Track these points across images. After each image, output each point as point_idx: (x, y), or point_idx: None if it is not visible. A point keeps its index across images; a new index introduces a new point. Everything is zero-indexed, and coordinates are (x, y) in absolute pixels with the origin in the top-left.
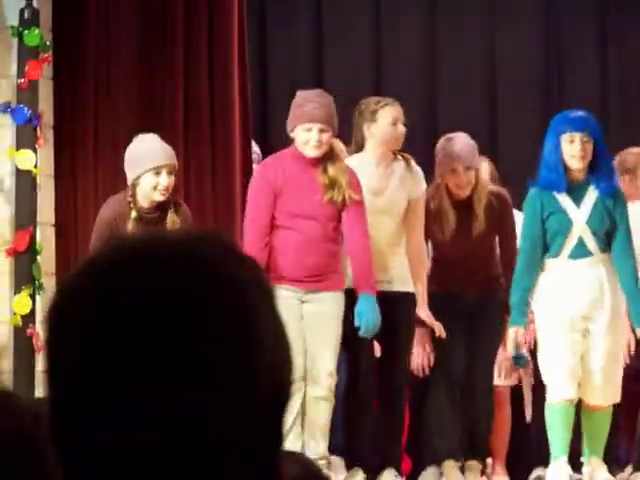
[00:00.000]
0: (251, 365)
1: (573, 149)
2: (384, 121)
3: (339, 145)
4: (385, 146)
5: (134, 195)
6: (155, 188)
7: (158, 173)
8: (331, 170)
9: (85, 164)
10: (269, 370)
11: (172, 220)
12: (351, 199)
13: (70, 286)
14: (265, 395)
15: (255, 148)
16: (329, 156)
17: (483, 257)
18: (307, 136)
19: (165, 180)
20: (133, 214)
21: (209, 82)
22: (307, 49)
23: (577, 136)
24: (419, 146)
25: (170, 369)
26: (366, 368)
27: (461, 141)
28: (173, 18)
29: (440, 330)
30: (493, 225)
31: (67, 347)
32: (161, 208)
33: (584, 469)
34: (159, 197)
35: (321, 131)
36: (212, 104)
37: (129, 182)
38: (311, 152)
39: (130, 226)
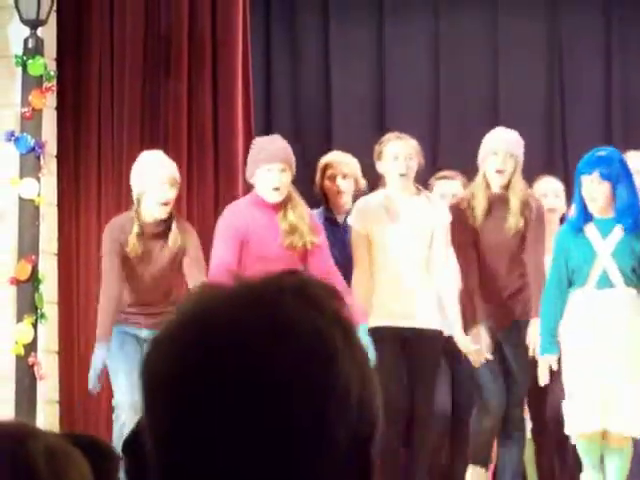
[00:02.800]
0: (331, 416)
1: (585, 191)
2: (387, 158)
3: (360, 181)
4: (395, 182)
5: (138, 210)
6: (159, 203)
7: (162, 187)
8: (291, 216)
9: (88, 194)
10: (353, 420)
11: (175, 237)
12: (312, 244)
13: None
14: (346, 443)
15: None
16: (289, 200)
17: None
18: (268, 177)
19: (169, 193)
20: (135, 229)
21: (213, 111)
22: (313, 74)
23: (588, 178)
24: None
25: (253, 420)
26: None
27: (503, 130)
28: (178, 48)
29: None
30: (526, 225)
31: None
32: (164, 224)
33: None
34: (162, 213)
35: (282, 171)
36: (216, 135)
37: (134, 198)
38: (272, 197)
39: (132, 241)
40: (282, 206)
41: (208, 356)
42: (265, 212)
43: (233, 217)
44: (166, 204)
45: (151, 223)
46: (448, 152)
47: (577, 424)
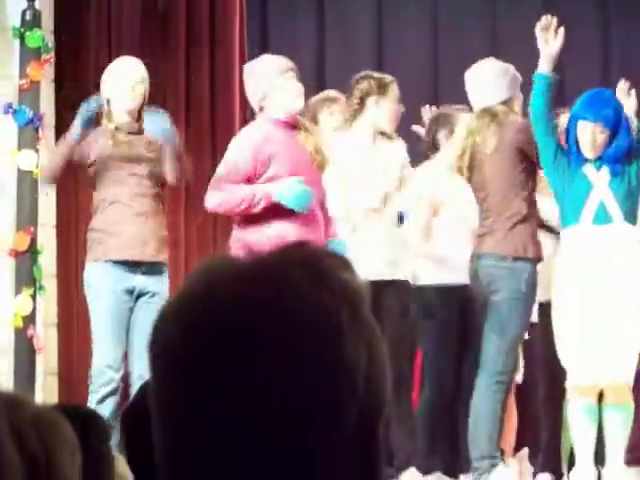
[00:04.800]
0: (340, 394)
1: (585, 137)
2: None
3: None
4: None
5: (109, 112)
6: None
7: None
8: (311, 136)
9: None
10: (360, 399)
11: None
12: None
13: (163, 334)
14: (353, 422)
15: None
16: (299, 122)
17: None
18: (288, 86)
19: (140, 88)
20: (111, 126)
21: (210, 85)
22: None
23: (590, 126)
24: None
25: (258, 397)
26: None
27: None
28: (176, 22)
29: None
30: None
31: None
32: (139, 119)
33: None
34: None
35: (297, 78)
36: (213, 106)
37: (104, 99)
38: (298, 104)
39: (111, 141)
40: (298, 126)
41: (216, 331)
42: (286, 132)
43: (254, 136)
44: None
45: (126, 121)
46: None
47: (570, 377)
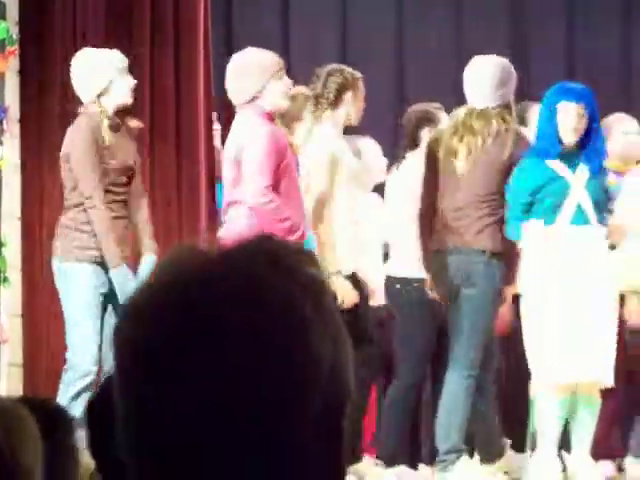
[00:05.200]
0: (306, 385)
1: (567, 119)
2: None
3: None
4: None
5: (102, 106)
6: (130, 88)
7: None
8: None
9: (51, 157)
10: (328, 386)
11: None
12: None
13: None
14: (317, 413)
15: (216, 125)
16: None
17: None
18: (281, 84)
19: (132, 81)
20: (106, 122)
21: (175, 75)
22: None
23: (572, 106)
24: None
25: (225, 387)
26: None
27: None
28: (140, 15)
29: None
30: None
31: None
32: (120, 114)
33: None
34: (130, 99)
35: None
36: (178, 96)
37: (93, 95)
38: (286, 102)
39: (107, 137)
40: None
41: (183, 321)
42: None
43: (276, 138)
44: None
45: (113, 115)
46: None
47: (550, 375)
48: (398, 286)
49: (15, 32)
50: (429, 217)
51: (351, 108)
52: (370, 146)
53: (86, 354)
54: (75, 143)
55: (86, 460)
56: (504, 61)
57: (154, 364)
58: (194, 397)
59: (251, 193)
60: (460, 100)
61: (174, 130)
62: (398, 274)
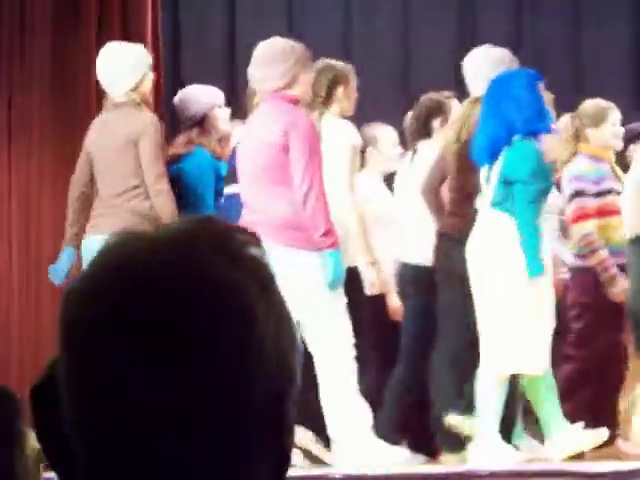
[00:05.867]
0: (247, 370)
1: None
2: None
3: None
4: None
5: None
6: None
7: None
8: None
9: None
10: (271, 360)
11: None
12: None
13: (74, 301)
14: (268, 385)
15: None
16: None
17: None
18: (310, 77)
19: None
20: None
21: None
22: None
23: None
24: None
25: (167, 373)
26: None
27: None
28: (87, 12)
29: None
30: None
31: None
32: None
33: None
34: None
35: None
36: None
37: (127, 88)
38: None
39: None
40: None
41: (128, 303)
42: None
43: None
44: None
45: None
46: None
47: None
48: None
49: None
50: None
51: (345, 102)
52: (386, 133)
53: None
54: (147, 134)
55: (33, 442)
56: (496, 50)
57: (99, 345)
58: (141, 377)
59: (308, 189)
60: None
61: None
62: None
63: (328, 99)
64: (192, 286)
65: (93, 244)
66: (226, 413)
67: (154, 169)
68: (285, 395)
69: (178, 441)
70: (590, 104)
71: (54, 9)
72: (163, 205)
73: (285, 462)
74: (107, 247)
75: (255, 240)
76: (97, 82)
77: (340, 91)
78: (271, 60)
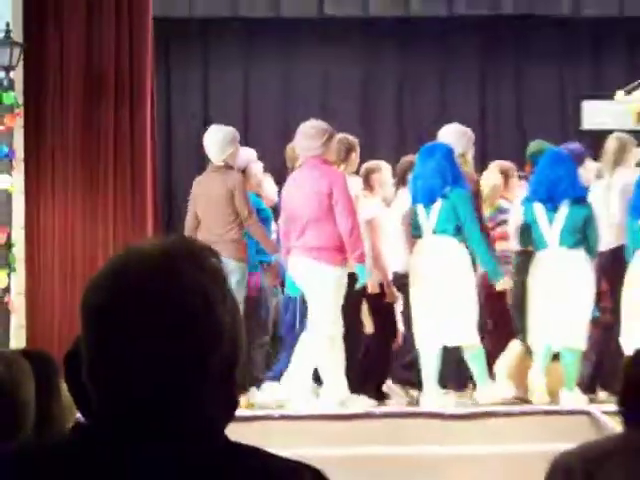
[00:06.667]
0: (216, 335)
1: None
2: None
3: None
4: None
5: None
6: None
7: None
8: None
9: (45, 186)
10: (226, 338)
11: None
12: None
13: (92, 292)
14: (227, 350)
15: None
16: None
17: None
18: (335, 144)
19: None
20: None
21: (131, 141)
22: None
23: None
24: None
25: (155, 343)
26: None
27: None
28: (107, 91)
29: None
30: None
31: (94, 323)
32: None
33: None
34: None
35: None
36: (132, 157)
37: (224, 157)
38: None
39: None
40: None
41: (121, 298)
42: None
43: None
44: None
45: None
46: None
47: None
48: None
49: (21, 99)
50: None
51: (354, 163)
52: (387, 169)
53: None
54: (238, 187)
55: (66, 394)
56: (458, 126)
57: (101, 320)
58: (126, 347)
59: (349, 223)
60: None
61: (130, 184)
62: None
63: (345, 161)
64: (170, 286)
65: None
66: (197, 372)
67: (245, 209)
68: (236, 362)
69: (158, 389)
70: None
71: (84, 104)
72: (255, 231)
73: (235, 405)
74: (114, 257)
75: (216, 254)
76: (115, 142)
77: (353, 155)
78: (313, 135)
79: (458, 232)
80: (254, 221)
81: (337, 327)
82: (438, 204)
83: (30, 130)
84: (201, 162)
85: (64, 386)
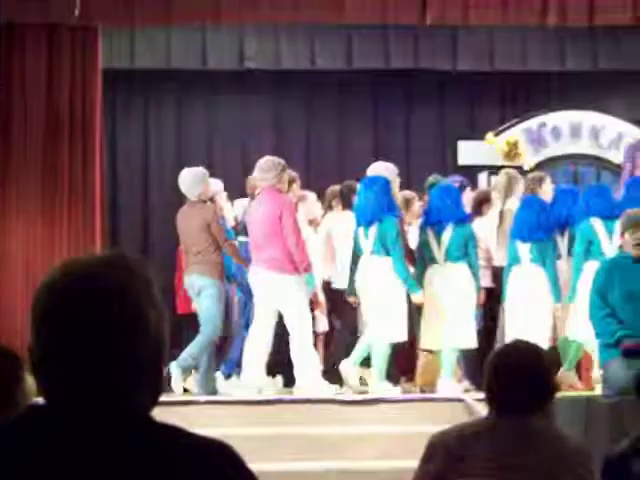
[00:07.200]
0: (144, 332)
1: None
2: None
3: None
4: None
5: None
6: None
7: None
8: None
9: (10, 216)
10: (153, 334)
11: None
12: None
13: (43, 293)
14: (155, 345)
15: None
16: None
17: None
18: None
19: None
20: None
21: (83, 178)
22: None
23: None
24: None
25: (98, 335)
26: None
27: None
28: (59, 123)
29: None
30: None
31: (45, 320)
32: None
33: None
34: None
35: None
36: (85, 192)
37: (199, 195)
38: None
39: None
40: None
41: (63, 301)
42: None
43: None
44: None
45: None
46: None
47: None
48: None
49: None
50: None
51: (296, 192)
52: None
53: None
54: (212, 218)
55: (29, 382)
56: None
57: (45, 320)
58: (70, 340)
59: (294, 240)
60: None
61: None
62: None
63: (288, 191)
64: (106, 287)
65: (189, 279)
66: (128, 361)
67: (221, 236)
68: (161, 354)
69: (94, 378)
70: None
71: (45, 131)
72: (231, 252)
73: (160, 391)
74: (59, 265)
75: (144, 262)
76: (70, 179)
77: (294, 186)
78: (268, 168)
79: (388, 253)
80: (228, 244)
81: (256, 326)
82: (374, 228)
83: None
84: (145, 193)
85: (29, 378)
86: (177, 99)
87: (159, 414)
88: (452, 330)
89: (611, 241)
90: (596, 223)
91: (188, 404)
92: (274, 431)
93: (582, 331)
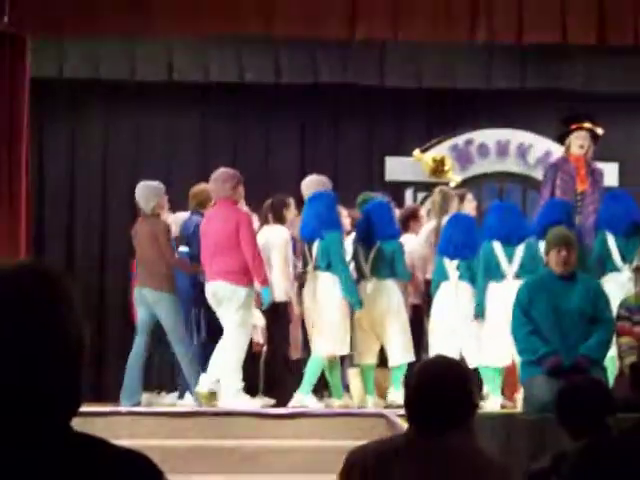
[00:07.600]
0: (66, 337)
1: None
2: None
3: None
4: None
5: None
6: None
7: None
8: None
9: None
10: (74, 339)
11: None
12: None
13: None
14: (72, 351)
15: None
16: None
17: None
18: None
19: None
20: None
21: (9, 182)
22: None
23: None
24: None
25: (19, 339)
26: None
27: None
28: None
29: None
30: None
31: None
32: None
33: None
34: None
35: None
36: (10, 191)
37: (152, 209)
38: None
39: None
40: None
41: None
42: None
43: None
44: None
45: None
46: None
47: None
48: None
49: None
50: None
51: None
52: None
53: None
54: (160, 232)
55: None
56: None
57: None
58: (10, 332)
59: (252, 253)
60: None
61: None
62: None
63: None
64: (28, 299)
65: (141, 292)
66: (53, 365)
67: (167, 251)
68: (81, 359)
69: (13, 382)
70: None
71: None
72: (179, 265)
73: (79, 401)
74: None
75: (66, 276)
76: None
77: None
78: (224, 180)
79: (329, 268)
80: (174, 259)
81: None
82: (317, 243)
83: None
84: (71, 204)
85: None
86: (105, 109)
87: (80, 424)
88: (387, 346)
89: (510, 263)
90: (497, 246)
91: (110, 415)
92: (193, 443)
93: (493, 354)
